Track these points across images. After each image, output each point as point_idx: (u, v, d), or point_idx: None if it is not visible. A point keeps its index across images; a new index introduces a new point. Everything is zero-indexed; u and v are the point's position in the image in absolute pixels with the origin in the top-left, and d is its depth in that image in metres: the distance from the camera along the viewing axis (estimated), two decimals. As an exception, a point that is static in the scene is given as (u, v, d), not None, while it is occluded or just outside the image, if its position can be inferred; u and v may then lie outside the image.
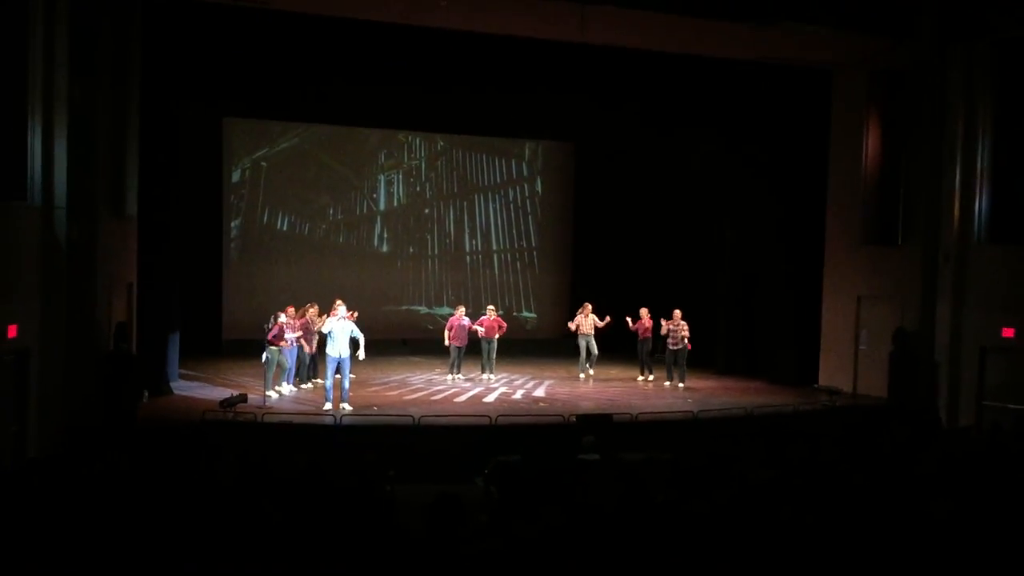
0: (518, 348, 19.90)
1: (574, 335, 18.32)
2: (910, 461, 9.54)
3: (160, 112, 15.12)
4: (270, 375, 14.71)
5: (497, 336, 17.46)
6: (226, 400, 13.33)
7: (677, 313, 17.41)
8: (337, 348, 14.11)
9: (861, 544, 6.18)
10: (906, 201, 16.61)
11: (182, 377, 16.47)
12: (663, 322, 17.44)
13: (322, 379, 16.09)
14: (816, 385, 17.57)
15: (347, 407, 13.96)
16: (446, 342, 17.24)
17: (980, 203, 15.84)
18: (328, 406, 14.03)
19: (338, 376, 14.21)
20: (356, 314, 14.82)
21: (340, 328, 14.18)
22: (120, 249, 14.01)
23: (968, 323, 15.86)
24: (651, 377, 17.94)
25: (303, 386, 15.76)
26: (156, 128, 14.92)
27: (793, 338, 18.55)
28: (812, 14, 14.94)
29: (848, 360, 17.69)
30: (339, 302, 14.68)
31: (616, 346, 19.14)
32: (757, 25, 14.93)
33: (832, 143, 18.04)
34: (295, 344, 15.18)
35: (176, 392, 15.37)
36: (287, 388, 15.17)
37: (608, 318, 17.96)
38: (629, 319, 17.89)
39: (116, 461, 8.61)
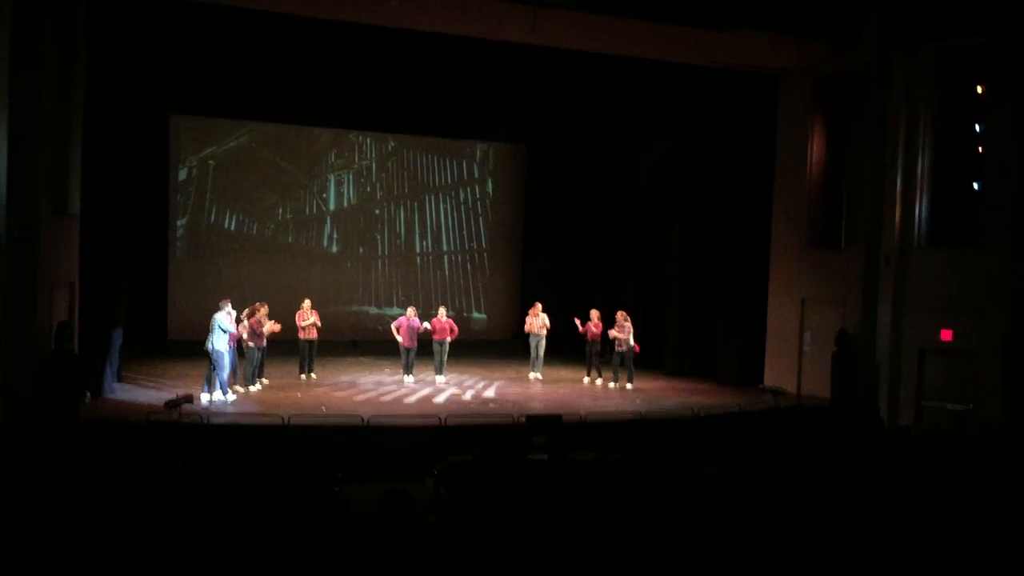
0: (468, 349, 19.90)
1: (526, 335, 18.40)
2: (853, 459, 9.75)
3: (106, 108, 14.84)
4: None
5: (449, 339, 17.42)
6: (171, 401, 13.14)
7: (620, 315, 17.51)
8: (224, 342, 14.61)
9: (807, 539, 6.30)
10: (849, 205, 16.96)
11: (126, 378, 16.18)
12: (609, 332, 17.50)
13: (268, 379, 16.16)
14: (761, 386, 17.84)
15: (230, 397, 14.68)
16: (396, 336, 17.15)
17: (920, 208, 16.22)
18: (232, 397, 14.58)
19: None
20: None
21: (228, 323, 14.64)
22: (62, 247, 13.73)
23: (908, 325, 16.23)
24: (599, 380, 18.00)
25: (251, 388, 15.59)
26: (101, 124, 14.64)
27: (740, 340, 18.83)
28: (759, 20, 15.19)
29: (793, 361, 17.99)
30: (226, 300, 15.02)
31: (565, 347, 19.23)
32: (705, 29, 15.14)
33: (778, 147, 18.35)
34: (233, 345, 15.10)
35: (120, 393, 15.11)
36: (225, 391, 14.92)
37: (545, 322, 17.99)
38: (578, 321, 17.94)
39: (58, 462, 8.43)
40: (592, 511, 6.74)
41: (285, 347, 17.20)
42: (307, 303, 16.90)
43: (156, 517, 6.25)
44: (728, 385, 18.17)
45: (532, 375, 18.20)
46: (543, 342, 18.03)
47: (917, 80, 16.15)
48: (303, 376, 16.88)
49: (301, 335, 16.78)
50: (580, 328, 17.90)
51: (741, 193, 18.92)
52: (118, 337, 15.75)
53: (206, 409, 13.55)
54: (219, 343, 14.42)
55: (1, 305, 11.76)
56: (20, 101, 11.76)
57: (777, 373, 18.19)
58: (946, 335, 15.73)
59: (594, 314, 17.92)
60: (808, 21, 15.70)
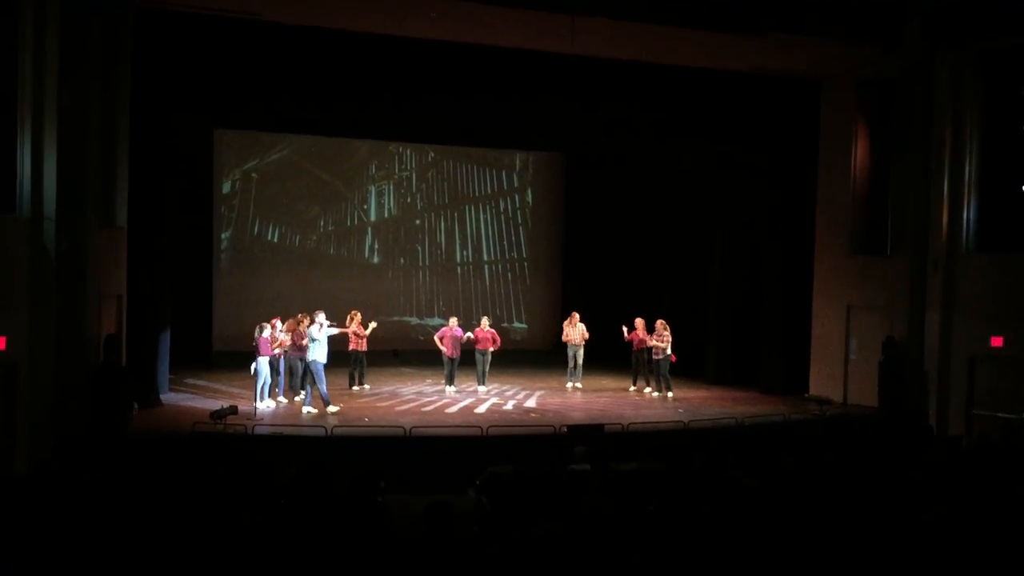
0: (509, 359, 19.89)
1: (564, 345, 18.36)
2: (902, 469, 9.57)
3: (151, 122, 15.10)
4: (259, 386, 14.76)
5: (491, 349, 17.43)
6: (216, 412, 13.28)
7: (659, 323, 17.43)
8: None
9: (853, 550, 6.19)
10: (895, 210, 16.69)
11: (172, 389, 16.41)
12: (647, 339, 17.43)
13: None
14: (806, 395, 17.61)
15: (313, 410, 14.77)
16: (440, 346, 17.21)
17: (968, 212, 15.91)
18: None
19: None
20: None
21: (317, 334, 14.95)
22: (110, 260, 13.96)
23: (957, 332, 15.92)
24: (647, 389, 17.91)
25: (296, 398, 15.71)
26: (147, 138, 14.90)
27: (783, 348, 18.59)
28: (800, 25, 15.03)
29: (838, 369, 17.73)
30: (318, 311, 15.36)
31: (607, 356, 19.14)
32: (746, 36, 15.02)
33: (821, 152, 18.13)
34: (285, 355, 15.37)
35: (166, 404, 15.32)
36: (268, 402, 15.07)
37: (583, 333, 17.94)
38: (624, 328, 17.87)
39: (106, 473, 8.56)
40: (633, 522, 6.69)
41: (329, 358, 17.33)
42: (359, 315, 16.96)
43: (200, 526, 6.31)
44: (772, 394, 17.95)
45: (570, 385, 18.12)
46: (581, 352, 17.98)
47: (962, 82, 15.87)
48: (355, 387, 16.97)
49: (354, 346, 16.85)
50: (626, 336, 17.83)
51: (783, 199, 18.71)
52: (165, 349, 15.98)
53: (250, 419, 13.67)
54: (313, 353, 14.77)
55: (51, 318, 11.97)
56: (68, 117, 12.01)
57: (822, 382, 17.93)
58: (996, 342, 15.39)
59: (638, 323, 17.83)
60: (849, 24, 15.50)
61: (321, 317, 15.05)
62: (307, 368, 15.62)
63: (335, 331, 15.43)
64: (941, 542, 6.63)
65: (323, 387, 14.74)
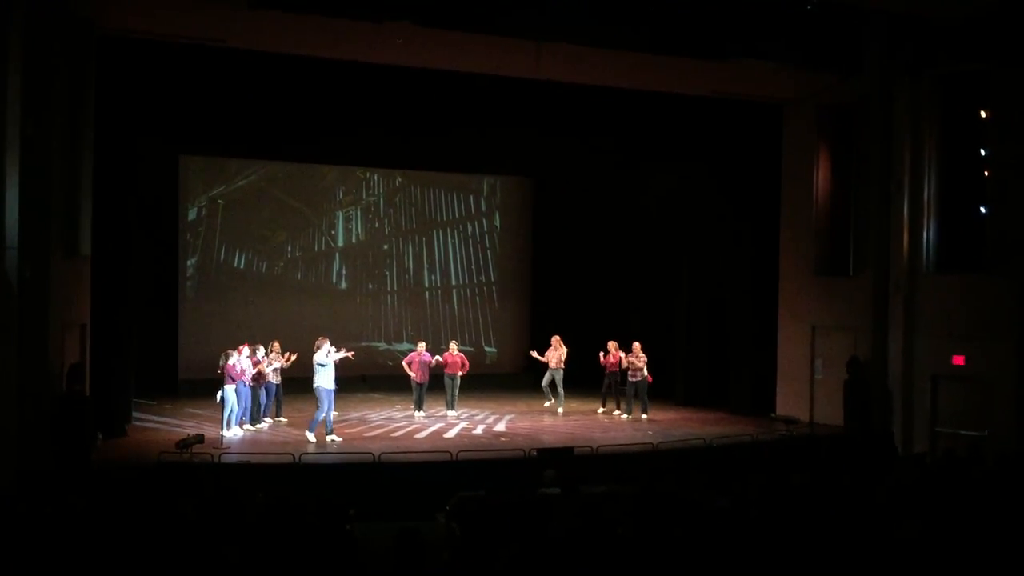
0: (478, 383, 19.85)
1: (537, 367, 18.40)
2: (869, 487, 9.66)
3: (115, 150, 15.01)
4: (226, 414, 14.61)
5: (460, 373, 17.42)
6: (182, 441, 13.13)
7: (636, 345, 17.56)
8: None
9: (823, 568, 6.25)
10: (857, 232, 16.95)
11: (137, 418, 16.20)
12: (622, 357, 17.58)
13: (285, 417, 16.18)
14: (773, 414, 17.75)
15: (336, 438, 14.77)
16: (408, 372, 17.16)
17: (928, 233, 16.20)
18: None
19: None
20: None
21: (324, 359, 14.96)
22: (74, 289, 13.81)
23: (920, 351, 16.15)
24: (615, 411, 17.96)
25: (258, 425, 15.57)
26: (111, 166, 14.80)
27: (751, 368, 18.76)
28: (760, 51, 15.28)
29: (804, 389, 17.90)
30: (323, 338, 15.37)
31: (576, 378, 19.17)
32: (708, 61, 15.24)
33: (784, 175, 18.39)
34: (249, 383, 15.17)
35: (131, 433, 15.11)
36: (235, 430, 14.91)
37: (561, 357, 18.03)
38: (601, 354, 17.95)
39: (71, 504, 8.44)
40: (603, 545, 6.70)
41: (296, 385, 17.19)
42: (327, 341, 16.77)
43: (169, 560, 6.24)
44: (740, 414, 18.08)
45: (547, 404, 18.13)
46: (561, 374, 18.03)
47: (920, 106, 16.20)
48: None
49: None
50: (602, 361, 17.90)
51: (749, 221, 18.94)
52: (130, 378, 15.80)
53: (217, 448, 13.53)
54: (319, 380, 14.74)
55: (13, 347, 11.79)
56: (32, 145, 11.88)
57: (789, 401, 18.09)
58: (958, 360, 15.62)
59: (611, 345, 17.93)
60: (809, 51, 15.78)
61: (327, 344, 15.02)
62: (274, 394, 15.62)
63: (341, 355, 15.28)
64: (907, 559, 6.71)
65: (320, 415, 14.65)
